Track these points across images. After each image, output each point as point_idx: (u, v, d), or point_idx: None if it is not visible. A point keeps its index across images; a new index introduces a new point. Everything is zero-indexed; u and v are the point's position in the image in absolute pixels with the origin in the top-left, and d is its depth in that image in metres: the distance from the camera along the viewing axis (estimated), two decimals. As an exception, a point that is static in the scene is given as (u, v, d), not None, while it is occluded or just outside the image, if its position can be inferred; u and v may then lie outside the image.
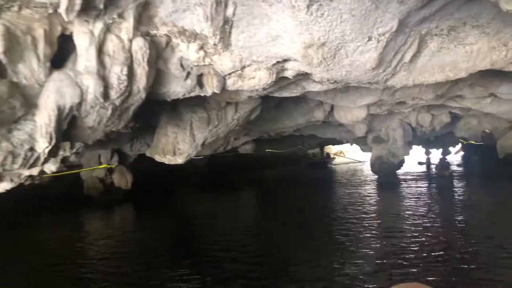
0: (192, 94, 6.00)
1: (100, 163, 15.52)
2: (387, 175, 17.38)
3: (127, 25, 4.80)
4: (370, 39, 5.22)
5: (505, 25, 5.97)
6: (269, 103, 11.00)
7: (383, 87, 7.34)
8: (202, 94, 6.03)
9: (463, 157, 30.19)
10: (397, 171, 18.20)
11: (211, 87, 5.69)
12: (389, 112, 15.47)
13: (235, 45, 5.32)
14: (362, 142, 20.50)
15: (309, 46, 5.10)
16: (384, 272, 6.37)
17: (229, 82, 5.85)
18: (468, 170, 23.07)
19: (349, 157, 38.09)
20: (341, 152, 43.40)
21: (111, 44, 4.75)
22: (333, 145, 34.00)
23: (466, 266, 6.46)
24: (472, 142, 26.28)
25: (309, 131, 20.12)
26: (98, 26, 4.59)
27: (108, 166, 15.53)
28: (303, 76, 6.57)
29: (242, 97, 7.12)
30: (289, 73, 6.02)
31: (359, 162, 33.18)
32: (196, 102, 8.32)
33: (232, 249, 8.17)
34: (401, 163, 17.73)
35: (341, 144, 28.98)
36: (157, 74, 5.48)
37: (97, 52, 4.64)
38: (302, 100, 12.57)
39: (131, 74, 4.96)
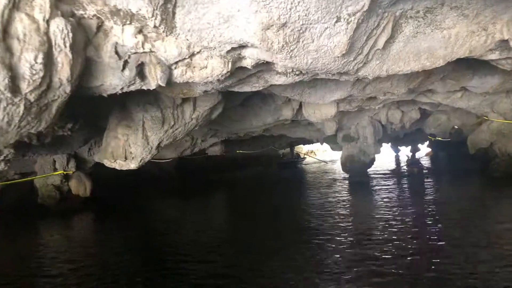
0: (133, 88, 5.01)
1: (55, 169, 14.23)
2: (358, 173, 16.78)
3: (42, 2, 3.81)
4: (338, 19, 4.40)
5: (486, 6, 5.29)
6: (233, 101, 10.12)
7: (354, 79, 6.59)
8: (145, 88, 5.05)
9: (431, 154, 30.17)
10: (368, 170, 17.61)
11: (154, 79, 4.74)
12: (359, 109, 14.82)
13: (181, 28, 4.39)
14: (332, 141, 19.89)
15: (268, 27, 4.23)
16: (354, 277, 5.62)
17: (176, 72, 4.90)
18: (438, 167, 22.77)
19: (318, 157, 37.31)
20: (311, 152, 42.93)
21: (21, 25, 3.74)
22: (304, 144, 33.35)
23: (437, 273, 5.77)
24: (439, 138, 26.37)
25: (279, 131, 19.36)
26: (1, 2, 3.59)
27: (64, 172, 14.26)
28: (265, 67, 5.70)
29: (197, 92, 6.17)
30: (247, 62, 5.14)
31: (329, 162, 32.40)
32: (148, 100, 7.34)
33: (197, 261, 7.24)
34: (372, 161, 17.17)
35: (312, 143, 28.44)
36: (87, 63, 4.49)
37: (1, 34, 3.63)
38: (269, 98, 11.75)
39: (49, 63, 3.95)
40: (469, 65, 9.40)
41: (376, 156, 16.76)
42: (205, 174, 26.21)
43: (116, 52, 4.48)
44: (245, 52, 4.97)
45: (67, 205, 14.43)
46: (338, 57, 4.97)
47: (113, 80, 4.70)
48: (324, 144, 26.55)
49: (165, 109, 7.45)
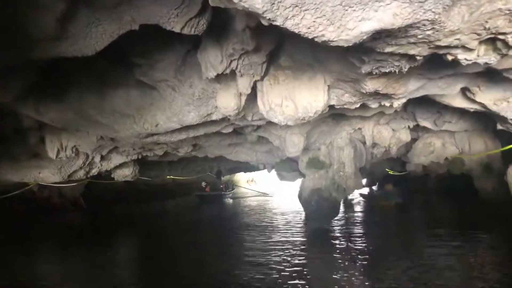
0: None
1: None
2: (321, 216, 10.14)
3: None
4: None
5: None
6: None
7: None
8: None
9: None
10: (337, 213, 10.87)
11: None
12: (337, 120, 8.77)
13: None
14: (285, 167, 13.59)
15: None
16: None
17: None
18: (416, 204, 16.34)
19: (251, 188, 27.07)
20: (252, 180, 36.32)
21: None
22: (245, 172, 26.31)
23: None
24: (391, 172, 21.07)
25: (214, 150, 12.67)
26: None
27: None
28: None
29: None
30: None
31: (265, 194, 22.59)
32: None
33: None
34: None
35: (256, 170, 21.75)
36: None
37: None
38: (191, 65, 5.12)
39: None
40: None
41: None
42: (124, 203, 18.45)
43: None
44: None
45: None
46: None
47: None
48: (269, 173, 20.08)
49: None
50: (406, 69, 3.97)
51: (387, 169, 20.95)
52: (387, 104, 5.74)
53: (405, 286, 4.90)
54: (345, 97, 5.37)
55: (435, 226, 9.59)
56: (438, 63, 4.73)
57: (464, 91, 6.26)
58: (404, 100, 5.62)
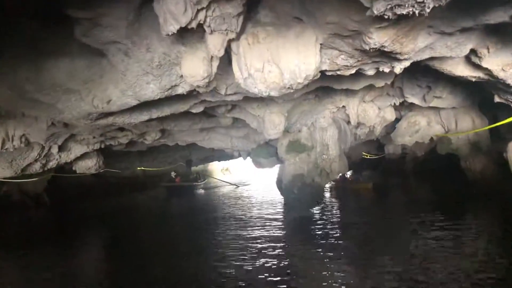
0: None
1: None
2: (306, 205, 9.22)
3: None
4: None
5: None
6: None
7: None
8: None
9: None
10: (321, 199, 9.95)
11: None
12: (320, 98, 7.81)
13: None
14: (262, 153, 12.52)
15: None
16: None
17: None
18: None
19: (221, 179, 23.85)
20: (226, 169, 35.17)
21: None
22: (219, 161, 24.75)
23: None
24: (368, 155, 20.62)
25: (186, 136, 11.46)
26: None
27: None
28: None
29: None
30: None
31: (236, 185, 20.49)
32: None
33: None
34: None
35: (231, 158, 20.59)
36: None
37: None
38: (146, 17, 3.96)
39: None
40: None
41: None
42: (92, 198, 16.80)
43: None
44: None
45: None
46: None
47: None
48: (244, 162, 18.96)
49: None
50: (429, 10, 2.97)
51: (363, 153, 20.39)
52: (386, 70, 4.77)
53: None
54: (340, 60, 4.35)
55: (418, 210, 8.80)
56: (457, 11, 3.81)
57: (470, 55, 5.40)
58: (407, 64, 4.66)
